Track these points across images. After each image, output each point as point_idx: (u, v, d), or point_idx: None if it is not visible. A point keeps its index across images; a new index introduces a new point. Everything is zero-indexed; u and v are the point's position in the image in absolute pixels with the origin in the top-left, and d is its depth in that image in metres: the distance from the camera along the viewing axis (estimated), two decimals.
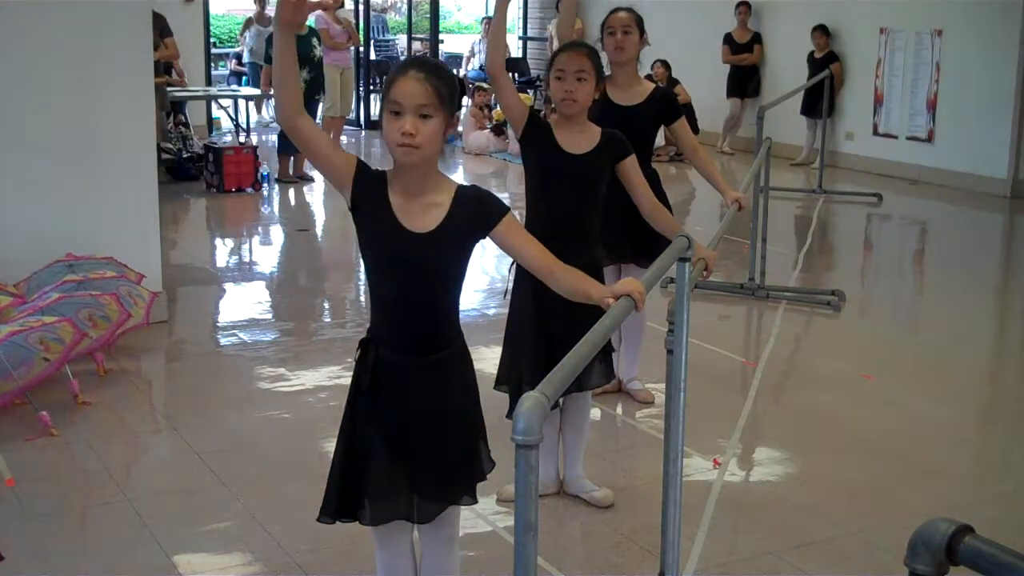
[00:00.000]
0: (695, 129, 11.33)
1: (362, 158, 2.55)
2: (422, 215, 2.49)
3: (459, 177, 11.70)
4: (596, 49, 3.77)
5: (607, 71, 4.67)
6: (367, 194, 2.49)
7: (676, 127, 4.66)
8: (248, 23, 14.56)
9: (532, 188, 3.70)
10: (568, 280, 2.53)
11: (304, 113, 2.48)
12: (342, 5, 12.15)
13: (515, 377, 3.59)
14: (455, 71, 17.68)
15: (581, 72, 3.56)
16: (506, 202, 2.61)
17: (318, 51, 10.51)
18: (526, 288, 3.58)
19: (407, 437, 2.58)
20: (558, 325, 3.46)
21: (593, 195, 3.67)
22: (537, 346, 3.58)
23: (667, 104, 4.64)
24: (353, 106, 13.23)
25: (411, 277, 2.52)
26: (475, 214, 2.51)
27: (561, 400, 3.75)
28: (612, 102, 4.47)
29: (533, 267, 2.56)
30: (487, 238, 2.55)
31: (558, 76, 3.61)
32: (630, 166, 3.70)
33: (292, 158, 10.63)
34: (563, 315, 3.36)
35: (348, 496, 2.62)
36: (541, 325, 3.57)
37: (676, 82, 12.11)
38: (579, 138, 3.64)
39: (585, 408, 3.86)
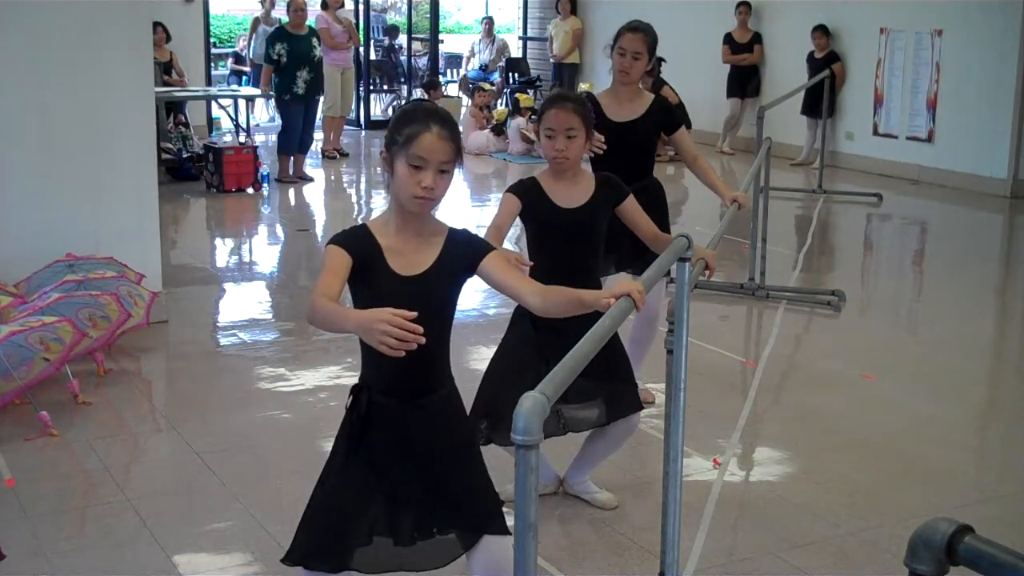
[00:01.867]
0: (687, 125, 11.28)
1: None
2: (415, 256, 2.52)
3: (459, 177, 11.68)
4: (582, 99, 3.70)
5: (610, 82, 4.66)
6: (362, 257, 2.50)
7: (676, 137, 4.64)
8: (256, 23, 14.55)
9: (531, 244, 3.66)
10: (559, 299, 2.54)
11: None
12: (342, 5, 12.15)
13: (497, 410, 3.43)
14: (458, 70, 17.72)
15: (571, 130, 3.51)
16: None
17: (318, 51, 10.51)
18: (525, 316, 3.52)
19: (403, 478, 2.57)
20: (557, 350, 3.40)
21: (594, 244, 3.63)
22: (536, 372, 3.48)
23: (666, 114, 4.62)
24: (353, 106, 13.23)
25: None
26: (464, 254, 2.56)
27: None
28: (611, 119, 4.44)
29: (522, 297, 2.57)
30: (473, 276, 2.58)
31: (548, 135, 3.56)
32: (629, 208, 3.65)
33: (292, 158, 10.63)
34: (564, 343, 3.31)
35: (332, 544, 2.58)
36: (539, 353, 3.49)
37: (663, 83, 12.03)
38: (573, 190, 3.60)
39: (630, 431, 3.78)
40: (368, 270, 2.50)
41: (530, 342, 3.52)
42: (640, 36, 4.48)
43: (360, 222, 2.67)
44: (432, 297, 2.52)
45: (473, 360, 5.09)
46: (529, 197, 3.57)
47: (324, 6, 11.78)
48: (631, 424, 3.74)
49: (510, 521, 3.55)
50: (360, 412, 2.55)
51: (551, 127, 3.54)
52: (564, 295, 2.55)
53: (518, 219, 3.61)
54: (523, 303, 2.60)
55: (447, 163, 2.47)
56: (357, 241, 2.51)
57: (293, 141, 10.58)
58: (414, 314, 2.25)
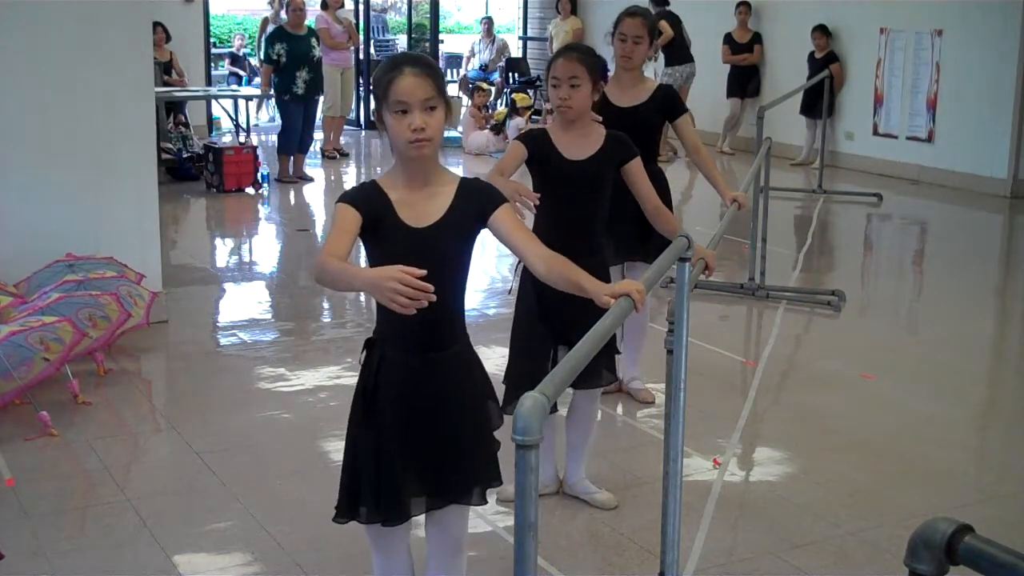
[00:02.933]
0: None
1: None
2: (425, 207, 2.51)
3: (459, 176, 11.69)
4: (590, 51, 3.76)
5: (612, 71, 4.68)
6: (372, 212, 2.49)
7: (679, 123, 4.65)
8: (264, 24, 14.55)
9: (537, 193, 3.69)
10: (561, 273, 2.50)
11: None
12: (342, 5, 12.15)
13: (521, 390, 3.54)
14: (458, 70, 17.68)
15: (574, 79, 3.56)
16: None
17: (317, 51, 10.51)
18: (529, 290, 3.58)
19: (414, 435, 2.58)
20: (562, 326, 3.46)
21: (598, 198, 3.66)
22: (541, 350, 3.57)
23: (670, 101, 4.64)
24: (353, 106, 13.22)
25: None
26: (476, 204, 2.53)
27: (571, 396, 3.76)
28: (614, 104, 4.47)
29: (527, 259, 2.54)
30: (485, 228, 2.55)
31: (554, 84, 3.64)
32: (634, 169, 3.70)
33: (292, 158, 10.64)
34: (567, 316, 3.37)
35: (355, 496, 2.63)
36: (545, 326, 3.56)
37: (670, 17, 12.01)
38: (581, 143, 3.65)
39: (592, 409, 3.86)
40: (379, 224, 2.49)
41: (533, 313, 3.60)
42: (640, 20, 4.52)
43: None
44: (445, 247, 2.51)
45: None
46: (536, 145, 3.63)
47: (324, 6, 11.78)
48: (590, 405, 3.82)
49: (510, 521, 3.57)
50: (372, 367, 2.56)
51: (556, 76, 3.62)
52: (568, 272, 2.48)
53: (526, 168, 3.67)
54: (526, 264, 2.58)
55: (430, 99, 2.45)
56: (366, 197, 2.51)
57: (293, 141, 10.57)
58: (423, 272, 2.24)
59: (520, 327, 3.69)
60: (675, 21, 12.20)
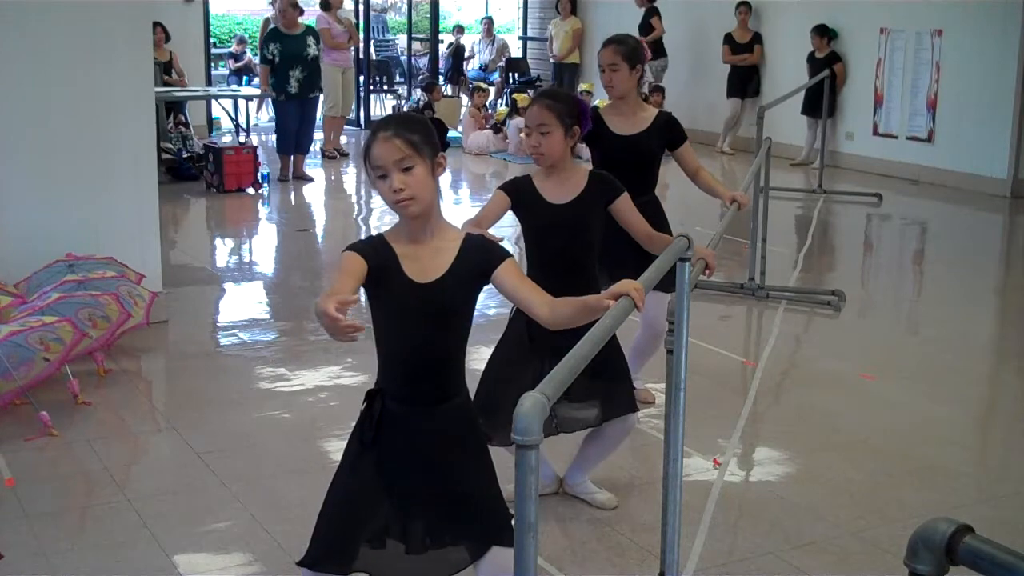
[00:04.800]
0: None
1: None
2: (430, 262, 2.51)
3: (459, 177, 11.70)
4: (565, 96, 3.70)
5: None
6: (379, 265, 2.49)
7: (680, 152, 4.58)
8: (266, 24, 14.55)
9: (527, 241, 3.68)
10: (565, 310, 2.51)
11: None
12: (342, 5, 12.15)
13: (492, 407, 3.37)
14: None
15: (542, 126, 3.52)
16: None
17: (312, 50, 10.49)
18: (519, 314, 3.53)
19: (421, 489, 2.56)
20: (551, 339, 3.42)
21: (585, 239, 3.62)
22: (522, 378, 3.47)
23: (671, 129, 4.55)
24: (353, 106, 13.22)
25: (420, 329, 2.52)
26: (479, 260, 2.54)
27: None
28: (614, 133, 4.44)
29: (532, 309, 2.54)
30: (489, 283, 2.56)
31: (526, 132, 3.63)
32: (621, 207, 3.64)
33: (292, 157, 10.64)
34: (554, 338, 3.31)
35: (339, 546, 2.59)
36: (533, 348, 3.50)
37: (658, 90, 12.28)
38: (563, 187, 3.60)
39: (620, 436, 3.78)
40: (384, 277, 2.50)
41: (523, 340, 3.54)
42: (612, 48, 4.45)
43: (361, 223, 2.69)
44: (448, 302, 2.52)
45: (473, 360, 5.04)
46: (519, 195, 3.59)
47: (325, 7, 11.76)
48: (627, 425, 3.74)
49: None
50: (374, 417, 2.55)
51: (527, 123, 3.62)
52: (571, 305, 2.51)
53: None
54: (532, 315, 2.58)
55: (402, 160, 2.44)
56: (374, 249, 2.51)
57: (289, 141, 10.59)
58: (355, 298, 2.29)
59: (506, 350, 3.63)
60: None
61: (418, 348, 2.54)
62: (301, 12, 10.73)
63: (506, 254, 2.57)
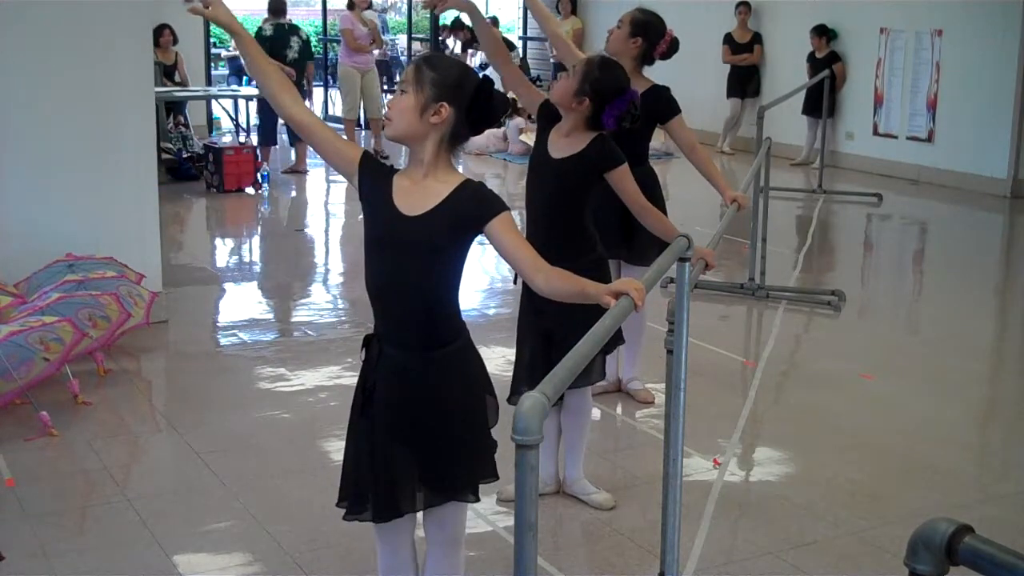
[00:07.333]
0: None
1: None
2: (420, 199, 2.53)
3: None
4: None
5: None
6: (373, 182, 2.57)
7: (671, 125, 4.57)
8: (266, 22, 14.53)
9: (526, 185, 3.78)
10: (562, 284, 2.49)
11: (297, 104, 2.59)
12: (369, 5, 11.98)
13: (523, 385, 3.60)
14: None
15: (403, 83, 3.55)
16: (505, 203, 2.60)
17: (295, 46, 10.48)
18: (524, 286, 3.58)
19: (409, 430, 2.59)
20: (555, 324, 3.46)
21: (568, 200, 3.61)
22: (536, 347, 3.59)
23: (661, 102, 4.53)
24: (381, 106, 13.08)
25: (396, 259, 2.55)
26: (472, 207, 2.52)
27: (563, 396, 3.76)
28: None
29: (522, 268, 2.54)
30: (482, 234, 2.54)
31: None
32: (618, 177, 3.64)
33: (293, 149, 10.81)
34: (559, 315, 3.36)
35: (357, 493, 2.65)
36: (540, 325, 3.58)
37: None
38: (565, 141, 3.63)
39: (586, 405, 3.86)
40: (373, 199, 2.56)
41: (528, 313, 3.67)
42: (632, 10, 4.59)
43: (361, 223, 2.71)
44: (429, 239, 2.51)
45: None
46: (545, 120, 3.71)
47: (351, 6, 11.55)
48: (583, 401, 3.82)
49: (510, 521, 3.56)
50: (372, 362, 2.59)
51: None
52: (568, 282, 2.48)
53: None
54: (526, 279, 2.57)
55: (405, 82, 2.53)
56: (379, 165, 2.61)
57: (268, 133, 10.83)
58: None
59: (519, 323, 3.76)
60: None
61: (391, 283, 2.56)
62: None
63: (503, 207, 2.54)
